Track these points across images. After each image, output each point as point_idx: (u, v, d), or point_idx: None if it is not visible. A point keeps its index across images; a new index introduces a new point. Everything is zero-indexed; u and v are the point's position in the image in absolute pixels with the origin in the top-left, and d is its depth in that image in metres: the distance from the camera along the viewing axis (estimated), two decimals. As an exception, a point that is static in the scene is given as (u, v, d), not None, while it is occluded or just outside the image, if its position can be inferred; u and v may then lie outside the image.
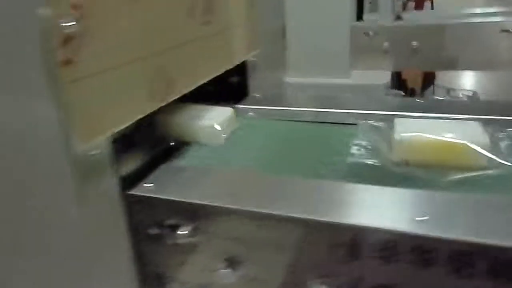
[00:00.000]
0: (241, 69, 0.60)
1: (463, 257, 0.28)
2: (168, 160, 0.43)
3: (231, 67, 0.53)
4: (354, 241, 0.30)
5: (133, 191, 0.37)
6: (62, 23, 0.29)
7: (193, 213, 0.35)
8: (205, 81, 0.47)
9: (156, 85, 0.39)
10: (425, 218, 0.29)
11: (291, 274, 0.34)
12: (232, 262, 0.35)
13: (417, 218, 0.30)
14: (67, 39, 0.29)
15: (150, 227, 0.37)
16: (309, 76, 1.16)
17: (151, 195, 0.36)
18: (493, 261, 0.27)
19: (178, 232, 0.35)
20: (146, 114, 0.38)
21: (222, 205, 0.34)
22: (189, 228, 0.35)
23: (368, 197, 0.34)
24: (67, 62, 0.30)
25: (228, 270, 0.35)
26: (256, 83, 0.62)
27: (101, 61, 0.33)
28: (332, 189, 0.36)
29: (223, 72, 0.51)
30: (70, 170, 0.31)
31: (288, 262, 0.34)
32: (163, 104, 0.40)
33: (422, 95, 1.91)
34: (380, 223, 0.30)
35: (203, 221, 0.35)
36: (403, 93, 1.11)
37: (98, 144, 0.33)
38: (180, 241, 0.35)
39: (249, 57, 0.60)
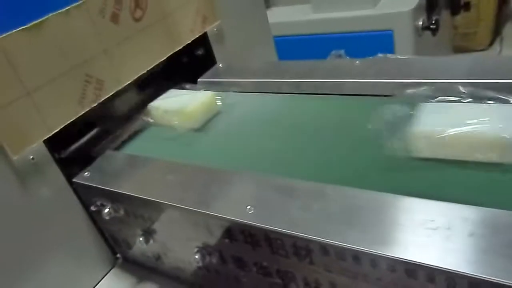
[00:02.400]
0: (204, 42, 0.65)
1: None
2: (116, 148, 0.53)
3: (175, 50, 0.58)
4: (208, 225, 0.38)
5: (75, 179, 0.48)
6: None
7: (112, 197, 0.45)
8: (142, 73, 0.54)
9: (86, 90, 0.48)
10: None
11: (184, 242, 0.43)
12: (148, 232, 0.45)
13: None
14: (-21, 84, 0.39)
15: (90, 205, 0.48)
16: (333, 10, 1.14)
17: (85, 183, 0.47)
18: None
19: (105, 210, 0.45)
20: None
21: (130, 193, 0.43)
22: (110, 208, 0.45)
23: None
24: (-15, 99, 0.40)
25: (143, 239, 0.45)
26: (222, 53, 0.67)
27: (20, 87, 0.42)
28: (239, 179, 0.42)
29: (167, 56, 0.57)
30: (14, 174, 0.43)
31: (181, 236, 0.43)
32: (93, 105, 0.49)
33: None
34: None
35: (120, 203, 0.45)
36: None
37: (35, 149, 0.44)
38: (106, 217, 0.45)
39: (208, 29, 0.64)
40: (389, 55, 0.53)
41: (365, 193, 0.34)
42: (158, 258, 0.48)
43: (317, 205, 0.34)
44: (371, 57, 0.54)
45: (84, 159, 0.50)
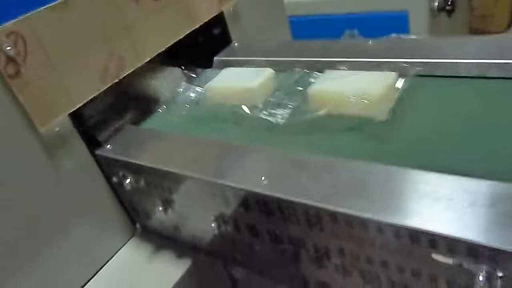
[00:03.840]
0: (220, 21, 0.66)
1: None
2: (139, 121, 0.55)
3: (192, 29, 0.60)
4: (225, 195, 0.40)
5: (97, 151, 0.50)
6: (3, 48, 0.41)
7: (133, 168, 0.47)
8: (160, 50, 0.56)
9: (108, 67, 0.50)
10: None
11: (201, 211, 0.45)
12: (167, 202, 0.48)
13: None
14: (9, 59, 0.41)
15: (112, 177, 0.50)
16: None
17: (107, 155, 0.49)
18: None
19: (126, 181, 0.48)
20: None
21: (150, 165, 0.45)
22: (131, 179, 0.48)
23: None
24: (15, 74, 0.42)
25: (162, 209, 0.48)
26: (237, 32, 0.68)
27: (47, 63, 0.44)
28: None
29: (183, 36, 0.59)
30: (41, 146, 0.45)
31: (199, 206, 0.45)
32: (115, 81, 0.51)
33: None
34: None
35: (140, 175, 0.47)
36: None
37: (59, 122, 0.47)
38: (128, 187, 0.48)
39: (223, 9, 0.65)
40: (402, 36, 0.54)
41: (371, 165, 0.35)
42: (176, 227, 0.51)
43: (327, 177, 0.36)
44: (384, 37, 0.55)
45: (107, 132, 0.53)
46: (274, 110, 0.48)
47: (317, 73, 0.52)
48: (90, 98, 0.49)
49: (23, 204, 0.45)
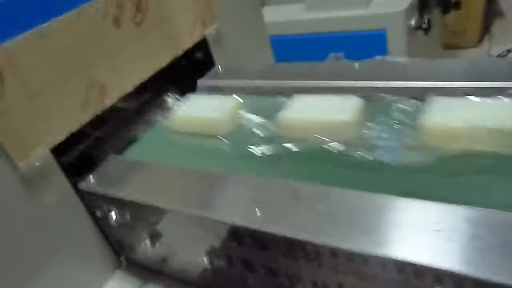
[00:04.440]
0: (203, 45, 0.65)
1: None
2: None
3: (178, 53, 0.59)
4: (216, 229, 0.39)
5: (80, 185, 0.48)
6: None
7: (118, 203, 0.45)
8: (145, 78, 0.55)
9: (89, 96, 0.48)
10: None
11: (191, 245, 0.44)
12: (154, 236, 0.46)
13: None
14: (-16, 92, 0.39)
15: (96, 211, 0.48)
16: (326, 10, 1.14)
17: (90, 189, 0.47)
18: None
19: (111, 216, 0.46)
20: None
21: (135, 200, 0.43)
22: (116, 214, 0.46)
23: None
24: (-10, 107, 0.40)
25: (149, 243, 0.46)
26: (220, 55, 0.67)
27: (24, 93, 0.42)
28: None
29: (168, 61, 0.57)
30: (20, 180, 0.43)
31: (188, 239, 0.43)
32: (98, 113, 0.49)
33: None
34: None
35: (126, 209, 0.45)
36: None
37: (40, 155, 0.44)
38: (112, 223, 0.46)
39: (207, 32, 0.64)
40: (386, 58, 0.54)
41: (365, 194, 0.35)
42: (164, 260, 0.49)
43: (321, 206, 0.35)
44: (369, 60, 0.55)
45: (89, 163, 0.51)
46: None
47: (414, 101, 0.45)
48: (72, 130, 0.47)
49: (1, 241, 0.43)
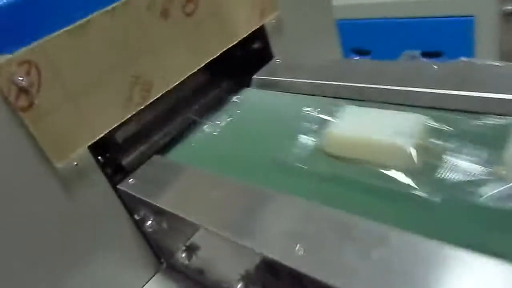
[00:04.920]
0: (261, 35, 0.60)
1: None
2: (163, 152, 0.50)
3: (229, 46, 0.54)
4: (251, 257, 0.34)
5: (119, 186, 0.46)
6: (14, 79, 0.37)
7: (154, 209, 0.42)
8: (193, 71, 0.50)
9: (132, 94, 0.45)
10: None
11: (226, 265, 0.40)
12: (190, 248, 0.43)
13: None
14: (21, 90, 0.37)
15: (134, 212, 0.46)
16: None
17: (128, 191, 0.45)
18: None
19: (148, 222, 0.43)
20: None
21: (173, 212, 0.40)
22: (153, 221, 0.43)
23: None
24: (28, 106, 0.38)
25: (185, 254, 0.43)
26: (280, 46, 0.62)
27: (64, 93, 0.40)
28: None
29: (220, 53, 0.53)
30: (58, 182, 0.41)
31: (223, 259, 0.40)
32: (140, 108, 0.46)
33: None
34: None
35: (163, 217, 0.42)
36: None
37: (78, 155, 0.42)
38: (149, 229, 0.43)
39: (265, 21, 0.59)
40: (473, 60, 0.45)
41: (436, 244, 0.28)
42: (201, 272, 0.45)
43: (377, 253, 0.29)
44: (451, 61, 0.47)
45: (131, 164, 0.48)
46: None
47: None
48: (112, 127, 0.45)
49: (41, 240, 0.42)
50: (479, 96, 0.40)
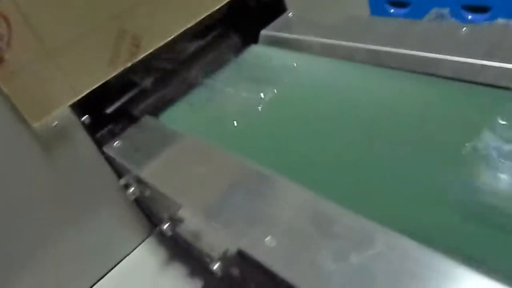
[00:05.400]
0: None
1: None
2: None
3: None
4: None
5: (104, 148, 0.43)
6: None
7: (137, 179, 0.40)
8: (189, 26, 0.46)
9: (119, 49, 0.41)
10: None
11: (207, 242, 0.37)
12: (173, 220, 0.40)
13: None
14: (-11, 45, 0.34)
15: (120, 177, 0.43)
16: None
17: (112, 155, 0.42)
18: None
19: (130, 190, 0.41)
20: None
21: (154, 184, 0.37)
22: (136, 188, 0.40)
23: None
24: (-2, 62, 0.35)
25: (169, 226, 0.40)
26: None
27: (39, 48, 0.37)
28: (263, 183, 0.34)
29: (222, 4, 0.47)
30: (37, 142, 0.39)
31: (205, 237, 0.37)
32: (128, 65, 0.42)
33: None
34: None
35: (146, 186, 0.40)
36: None
37: (59, 115, 0.40)
38: (131, 196, 0.41)
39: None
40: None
41: (430, 252, 0.24)
42: (187, 243, 0.43)
43: (358, 257, 0.25)
44: (486, 23, 0.39)
45: (120, 123, 0.45)
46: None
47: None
48: (96, 85, 0.41)
49: (26, 203, 0.40)
50: (507, 68, 0.34)
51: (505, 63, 0.34)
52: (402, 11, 0.97)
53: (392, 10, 0.98)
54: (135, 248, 0.50)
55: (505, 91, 0.33)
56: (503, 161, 0.27)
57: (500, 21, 0.38)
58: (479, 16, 0.91)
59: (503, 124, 0.30)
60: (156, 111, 0.47)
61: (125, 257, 0.49)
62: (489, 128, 0.30)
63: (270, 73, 0.47)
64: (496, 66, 0.34)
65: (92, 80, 0.41)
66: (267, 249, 0.27)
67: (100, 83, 0.41)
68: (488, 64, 0.35)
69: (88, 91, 0.41)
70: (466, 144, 0.30)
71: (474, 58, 0.36)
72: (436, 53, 0.38)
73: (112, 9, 0.40)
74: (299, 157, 0.36)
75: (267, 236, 0.28)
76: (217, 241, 0.34)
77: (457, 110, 0.34)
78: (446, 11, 0.41)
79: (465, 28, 0.39)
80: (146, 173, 0.38)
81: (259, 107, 0.43)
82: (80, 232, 0.45)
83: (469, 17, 0.96)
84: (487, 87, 0.35)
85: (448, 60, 0.37)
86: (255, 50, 0.52)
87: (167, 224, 0.40)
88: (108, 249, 0.48)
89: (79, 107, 0.41)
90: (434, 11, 0.43)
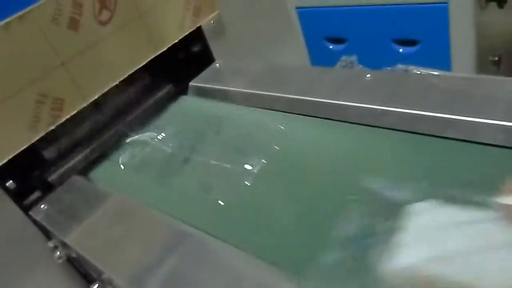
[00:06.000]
0: (198, 37, 0.56)
1: None
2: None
3: (156, 53, 0.50)
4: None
5: (31, 212, 0.43)
6: None
7: (63, 243, 0.40)
8: (114, 83, 0.47)
9: (39, 113, 0.42)
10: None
11: None
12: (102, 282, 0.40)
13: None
14: None
15: (49, 239, 0.43)
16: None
17: (38, 219, 0.42)
18: None
19: (56, 253, 0.41)
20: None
21: (78, 250, 0.37)
22: (61, 251, 0.40)
23: None
24: None
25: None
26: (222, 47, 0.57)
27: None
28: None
29: (147, 61, 0.49)
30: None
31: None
32: (51, 128, 0.43)
33: None
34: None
35: (68, 249, 0.39)
36: None
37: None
38: (58, 260, 0.41)
39: (203, 23, 0.55)
40: (411, 68, 0.41)
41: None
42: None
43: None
44: (388, 69, 0.43)
45: (44, 186, 0.45)
46: None
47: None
48: (17, 151, 0.41)
49: None
50: (407, 112, 0.36)
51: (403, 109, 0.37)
52: (340, 46, 1.03)
53: (331, 47, 1.03)
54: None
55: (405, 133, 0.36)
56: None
57: (400, 66, 0.42)
58: (408, 49, 0.98)
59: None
60: (85, 170, 0.47)
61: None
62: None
63: (196, 125, 0.48)
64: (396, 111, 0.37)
65: (13, 145, 0.41)
66: None
67: (22, 148, 0.41)
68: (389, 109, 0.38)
69: (9, 157, 0.41)
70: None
71: (375, 105, 0.38)
72: (343, 101, 0.40)
73: (29, 75, 0.40)
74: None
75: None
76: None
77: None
78: (354, 58, 0.45)
79: (369, 74, 0.42)
80: (69, 238, 0.38)
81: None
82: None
83: (400, 50, 1.03)
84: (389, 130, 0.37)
85: (353, 106, 0.40)
86: (184, 102, 0.54)
87: (96, 286, 0.40)
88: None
89: (2, 172, 0.41)
90: (344, 58, 0.46)
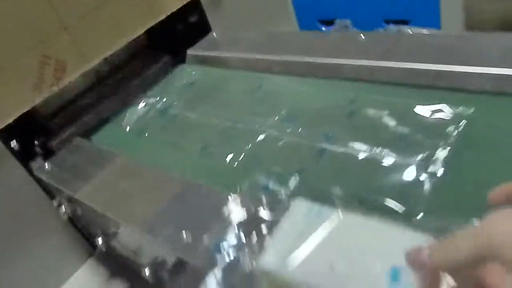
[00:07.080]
0: (196, 7, 0.57)
1: None
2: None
3: (156, 21, 0.51)
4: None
5: (36, 172, 0.44)
6: None
7: (68, 198, 0.41)
8: (116, 49, 0.48)
9: (43, 74, 0.43)
10: None
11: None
12: (107, 234, 0.41)
13: None
14: None
15: (53, 200, 0.44)
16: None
17: (42, 177, 0.43)
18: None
19: (61, 209, 0.42)
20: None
21: (84, 201, 0.38)
22: (67, 208, 0.41)
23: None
24: None
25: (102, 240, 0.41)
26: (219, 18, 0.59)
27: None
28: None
29: (146, 28, 0.50)
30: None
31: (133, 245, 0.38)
32: (55, 89, 0.44)
33: None
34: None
35: (77, 205, 0.40)
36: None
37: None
38: (63, 216, 0.42)
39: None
40: (403, 28, 0.43)
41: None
42: (124, 257, 0.44)
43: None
44: (381, 30, 0.44)
45: (49, 148, 0.46)
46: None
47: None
48: (22, 112, 0.42)
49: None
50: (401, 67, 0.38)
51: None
52: (331, 27, 1.04)
53: (323, 28, 1.04)
54: (77, 270, 0.50)
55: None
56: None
57: (391, 26, 0.43)
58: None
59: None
60: (88, 132, 0.49)
61: (69, 278, 0.49)
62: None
63: (196, 90, 0.49)
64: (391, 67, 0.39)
65: (18, 106, 0.42)
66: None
67: (27, 108, 0.42)
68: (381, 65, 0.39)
69: (14, 117, 0.42)
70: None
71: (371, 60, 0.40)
72: (339, 59, 0.42)
73: (33, 37, 0.41)
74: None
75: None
76: (148, 249, 0.36)
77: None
78: (348, 22, 0.46)
79: (362, 35, 0.43)
80: (78, 193, 0.39)
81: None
82: (20, 258, 0.45)
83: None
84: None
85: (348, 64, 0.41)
86: (183, 69, 0.55)
87: (99, 240, 0.42)
88: (50, 272, 0.48)
89: (7, 133, 0.42)
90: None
